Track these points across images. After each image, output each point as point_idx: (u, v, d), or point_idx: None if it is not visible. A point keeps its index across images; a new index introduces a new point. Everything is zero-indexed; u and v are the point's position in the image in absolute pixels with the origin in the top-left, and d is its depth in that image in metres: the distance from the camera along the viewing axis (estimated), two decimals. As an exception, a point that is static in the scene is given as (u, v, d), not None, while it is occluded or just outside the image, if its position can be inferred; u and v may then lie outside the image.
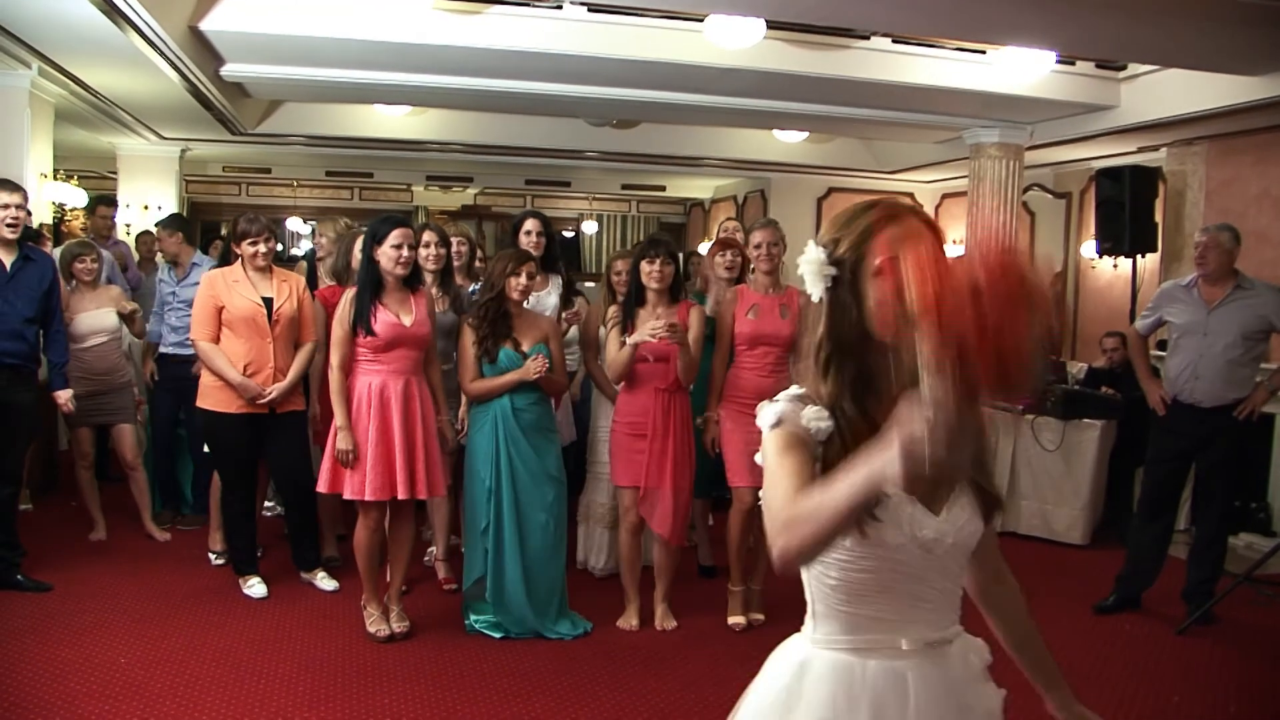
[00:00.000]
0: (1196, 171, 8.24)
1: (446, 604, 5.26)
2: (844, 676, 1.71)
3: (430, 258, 5.20)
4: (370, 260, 4.62)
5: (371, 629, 4.74)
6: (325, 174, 14.55)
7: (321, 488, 4.71)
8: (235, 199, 14.34)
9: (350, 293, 4.69)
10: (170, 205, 11.04)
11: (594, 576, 5.77)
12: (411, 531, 4.89)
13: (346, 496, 4.64)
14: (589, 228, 16.48)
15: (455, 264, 5.57)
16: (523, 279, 4.77)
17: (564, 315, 5.54)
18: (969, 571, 1.84)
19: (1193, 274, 5.39)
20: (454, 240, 5.63)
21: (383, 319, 4.56)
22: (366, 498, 4.57)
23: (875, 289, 1.65)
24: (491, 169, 13.67)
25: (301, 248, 16.45)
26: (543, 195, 15.54)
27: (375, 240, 4.61)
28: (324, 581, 5.41)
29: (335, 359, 4.63)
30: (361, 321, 4.56)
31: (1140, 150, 8.69)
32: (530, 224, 5.63)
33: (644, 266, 4.87)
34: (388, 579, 4.87)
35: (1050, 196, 10.26)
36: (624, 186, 15.28)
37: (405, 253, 4.58)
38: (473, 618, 4.92)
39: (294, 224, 15.69)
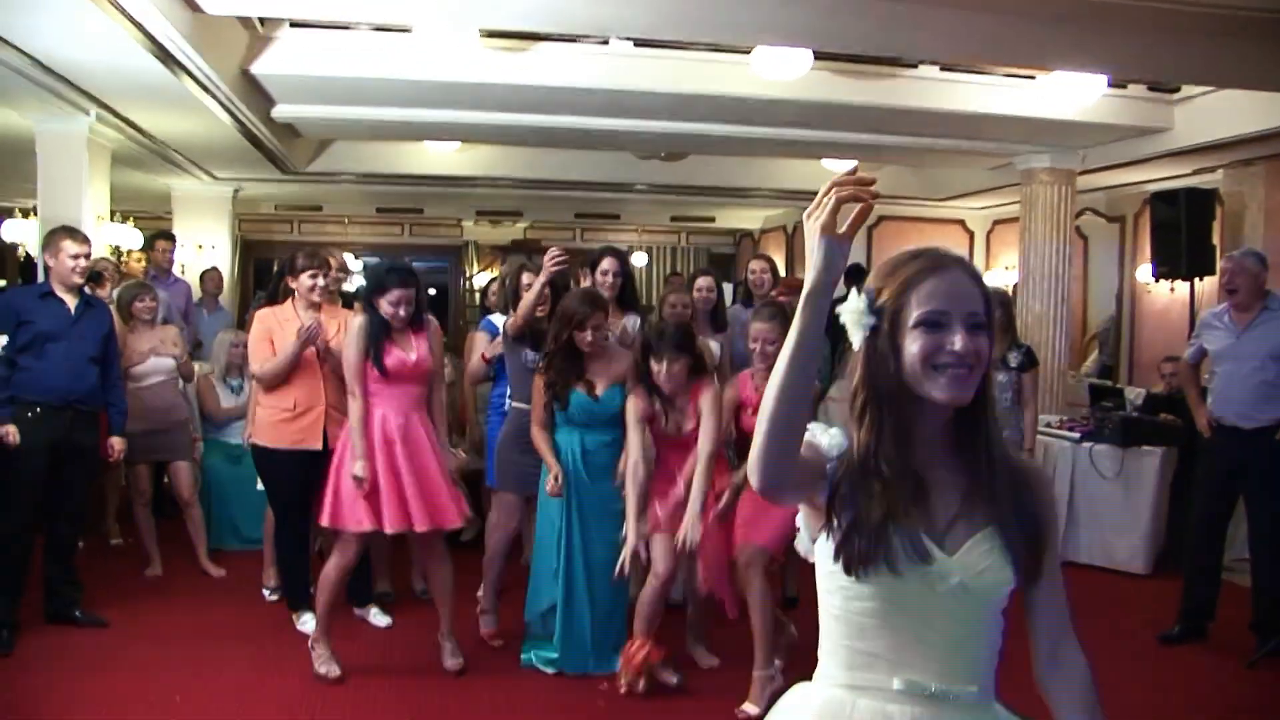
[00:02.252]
0: (1255, 192, 8.10)
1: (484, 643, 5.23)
2: (832, 713, 1.70)
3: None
4: (371, 305, 4.63)
5: (320, 669, 4.63)
6: (376, 210, 14.71)
7: (325, 522, 4.65)
8: (288, 236, 14.54)
9: (357, 322, 4.66)
10: (224, 244, 11.23)
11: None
12: (449, 567, 4.78)
13: (351, 528, 4.56)
14: (639, 260, 16.47)
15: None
16: (588, 335, 4.68)
17: None
18: (1033, 645, 1.77)
19: (1226, 303, 5.36)
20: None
21: (390, 355, 4.58)
22: (388, 530, 4.57)
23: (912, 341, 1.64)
24: (541, 203, 13.75)
25: (351, 285, 16.60)
26: (592, 228, 15.61)
27: (376, 291, 4.61)
28: (377, 617, 5.41)
29: (356, 387, 4.61)
30: (375, 361, 4.56)
31: (1196, 172, 8.56)
32: (607, 263, 5.42)
33: (652, 365, 4.57)
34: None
35: (1104, 221, 10.14)
36: (673, 218, 15.31)
37: (403, 310, 4.57)
38: (532, 653, 4.89)
39: (348, 259, 15.85)
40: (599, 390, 4.75)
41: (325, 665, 4.63)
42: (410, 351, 4.62)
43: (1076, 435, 6.94)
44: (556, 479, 4.73)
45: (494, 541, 5.24)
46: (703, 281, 6.00)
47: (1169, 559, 6.81)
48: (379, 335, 4.57)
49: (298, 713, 4.30)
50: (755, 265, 6.60)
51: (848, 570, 1.64)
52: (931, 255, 1.69)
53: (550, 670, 4.80)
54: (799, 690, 1.80)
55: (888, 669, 1.67)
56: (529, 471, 5.00)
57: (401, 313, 4.55)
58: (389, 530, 4.55)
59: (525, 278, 5.25)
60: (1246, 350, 5.16)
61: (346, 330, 4.85)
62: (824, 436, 1.72)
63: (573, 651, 4.79)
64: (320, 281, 5.12)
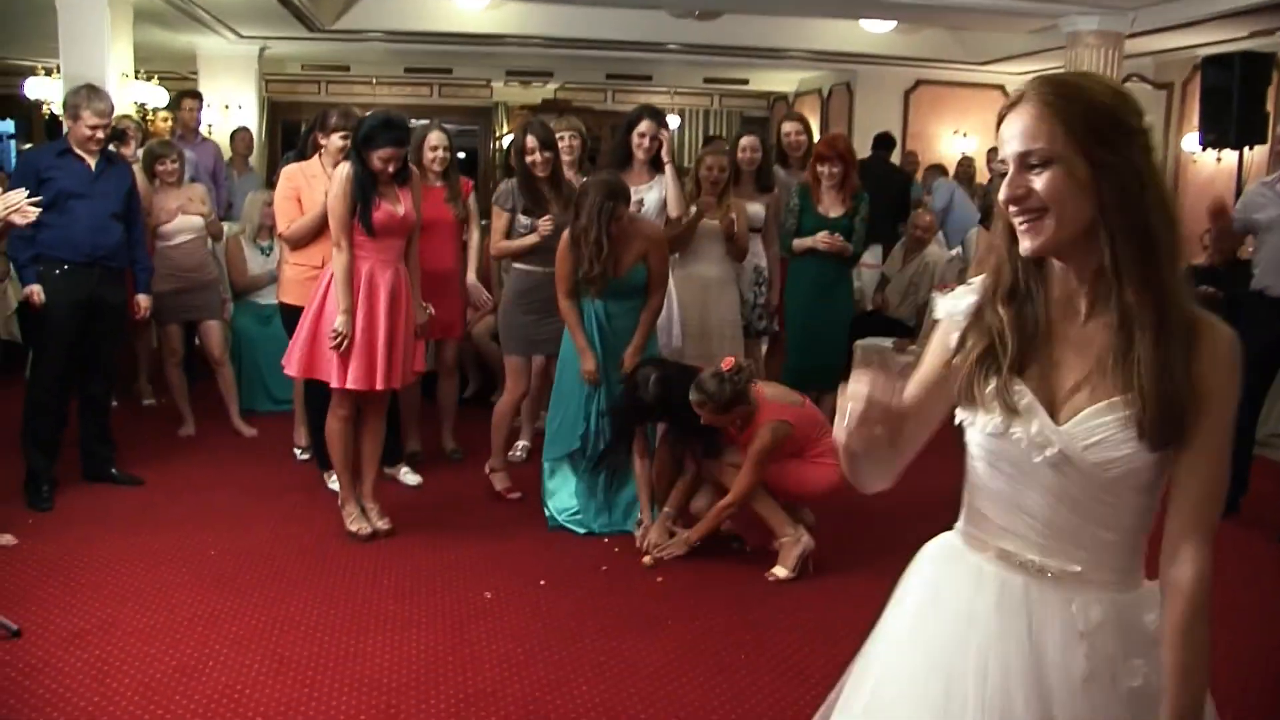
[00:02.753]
0: (1315, 57, 7.81)
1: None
2: (944, 556, 1.72)
3: (436, 160, 5.30)
4: (360, 157, 4.49)
5: (352, 527, 4.67)
6: (404, 70, 14.48)
7: (293, 372, 4.70)
8: (315, 97, 14.33)
9: (345, 170, 4.50)
10: (251, 105, 11.07)
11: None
12: (383, 425, 4.82)
13: (320, 378, 4.60)
14: (671, 122, 16.17)
15: (566, 159, 5.40)
16: (614, 227, 4.61)
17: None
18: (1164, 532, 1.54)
19: (1278, 172, 5.16)
20: (565, 134, 5.44)
21: (378, 209, 4.49)
22: (349, 386, 4.52)
23: None
24: (571, 63, 13.49)
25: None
26: (624, 89, 15.31)
27: (366, 144, 4.45)
28: (408, 476, 5.44)
29: (342, 239, 4.48)
30: (362, 216, 4.46)
31: (1252, 35, 8.24)
32: (645, 125, 5.30)
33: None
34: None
35: (1150, 88, 9.82)
36: (706, 80, 14.98)
37: (391, 167, 4.48)
38: (555, 512, 4.91)
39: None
40: (623, 270, 4.72)
41: (356, 523, 4.68)
42: (397, 205, 4.55)
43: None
44: (591, 373, 4.74)
45: (501, 405, 5.28)
46: (747, 141, 5.89)
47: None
48: (367, 188, 4.47)
49: (329, 568, 4.35)
50: (789, 127, 6.44)
51: (955, 416, 1.63)
52: (1014, 95, 1.54)
53: (580, 530, 4.84)
54: (938, 537, 1.78)
55: (993, 531, 1.63)
56: (533, 334, 5.12)
57: (391, 169, 4.47)
58: (350, 386, 4.51)
59: (528, 141, 5.17)
60: None
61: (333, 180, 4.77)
62: (954, 300, 1.67)
63: (593, 508, 4.86)
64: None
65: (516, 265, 5.20)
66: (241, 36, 10.47)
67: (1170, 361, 1.48)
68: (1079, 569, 1.58)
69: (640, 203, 5.22)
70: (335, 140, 5.03)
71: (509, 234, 5.20)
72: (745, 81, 14.91)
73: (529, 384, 5.30)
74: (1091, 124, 1.46)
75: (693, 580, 4.36)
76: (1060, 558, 1.58)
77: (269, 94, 13.27)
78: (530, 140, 5.11)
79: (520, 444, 5.81)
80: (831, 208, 5.62)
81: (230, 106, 10.88)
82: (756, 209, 5.69)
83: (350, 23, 10.24)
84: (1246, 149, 7.81)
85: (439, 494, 5.33)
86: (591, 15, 10.23)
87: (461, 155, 5.06)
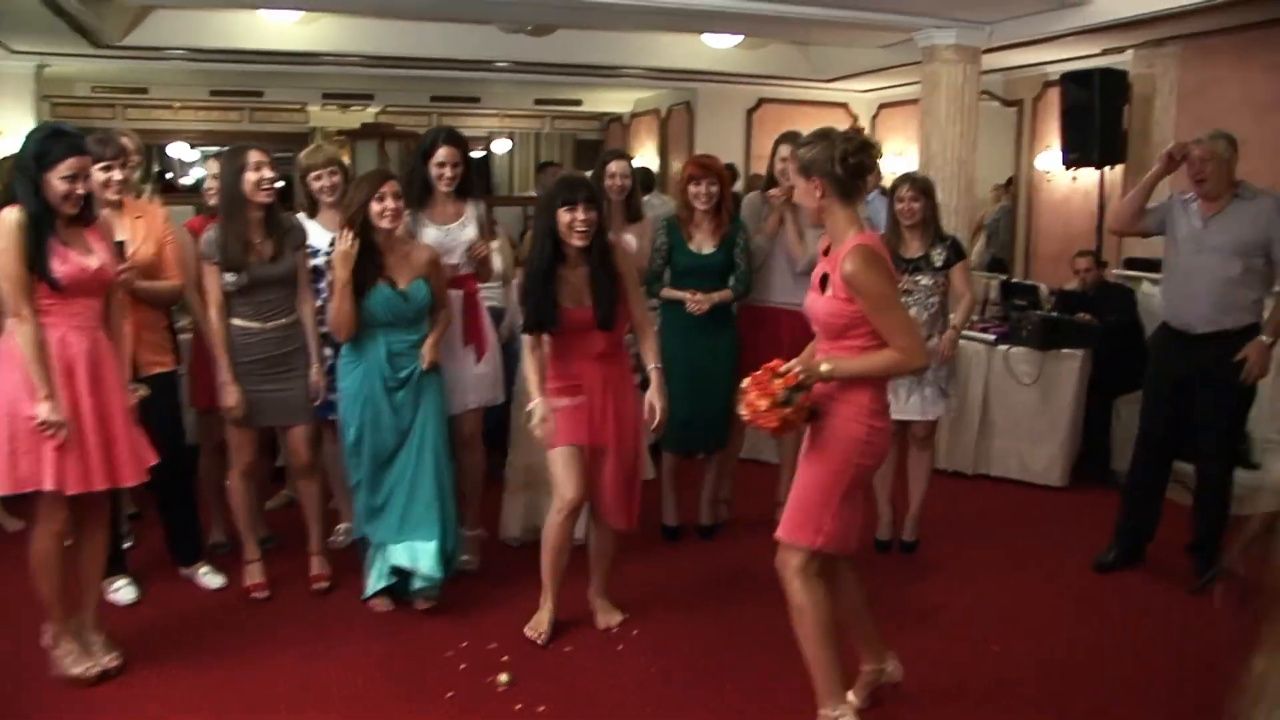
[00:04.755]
0: (1167, 75, 7.60)
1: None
2: None
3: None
4: (35, 189, 3.41)
5: (74, 670, 3.60)
6: (210, 93, 13.38)
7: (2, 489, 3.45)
8: (110, 122, 13.04)
9: (13, 216, 3.39)
10: (28, 129, 9.84)
11: (510, 549, 5.01)
12: (107, 535, 3.85)
13: (48, 489, 3.41)
14: (500, 146, 15.51)
15: (328, 200, 4.68)
16: (388, 202, 4.04)
17: (474, 246, 4.64)
18: None
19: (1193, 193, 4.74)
20: (322, 171, 4.69)
21: (65, 261, 3.47)
22: (69, 491, 3.45)
23: None
24: (393, 84, 12.68)
25: (191, 176, 15.26)
26: (450, 112, 14.51)
27: (41, 165, 3.40)
28: (209, 577, 4.54)
29: (23, 306, 3.40)
30: (38, 266, 3.39)
31: (1104, 53, 8.03)
32: (444, 153, 4.53)
33: (564, 216, 3.86)
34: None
35: (999, 105, 9.56)
36: (537, 101, 14.38)
37: (80, 189, 3.46)
38: (375, 576, 4.28)
39: (178, 150, 14.48)
40: (401, 286, 4.13)
41: (78, 664, 3.62)
42: (89, 256, 3.53)
43: (992, 338, 6.38)
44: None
45: (230, 482, 4.45)
46: (615, 166, 5.17)
47: (1083, 468, 6.38)
48: (43, 233, 3.41)
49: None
50: (615, 167, 5.26)
51: None
52: None
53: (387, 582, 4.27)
54: None
55: None
56: (255, 400, 4.26)
57: (79, 190, 3.43)
58: (70, 492, 3.45)
59: (312, 179, 4.63)
60: (1212, 242, 4.55)
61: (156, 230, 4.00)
62: None
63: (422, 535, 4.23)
64: (117, 175, 4.15)
65: (233, 322, 4.22)
66: (13, 51, 9.27)
67: None
68: None
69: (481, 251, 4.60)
70: (97, 175, 3.95)
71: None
72: (579, 102, 14.33)
73: (254, 456, 4.41)
74: None
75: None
76: None
77: (55, 119, 11.96)
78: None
79: (342, 526, 4.97)
80: (705, 243, 4.99)
81: (4, 132, 9.63)
82: (630, 240, 5.03)
83: (145, 38, 9.14)
84: (1108, 168, 7.54)
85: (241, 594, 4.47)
86: (414, 31, 9.43)
87: (279, 184, 4.26)
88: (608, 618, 4.24)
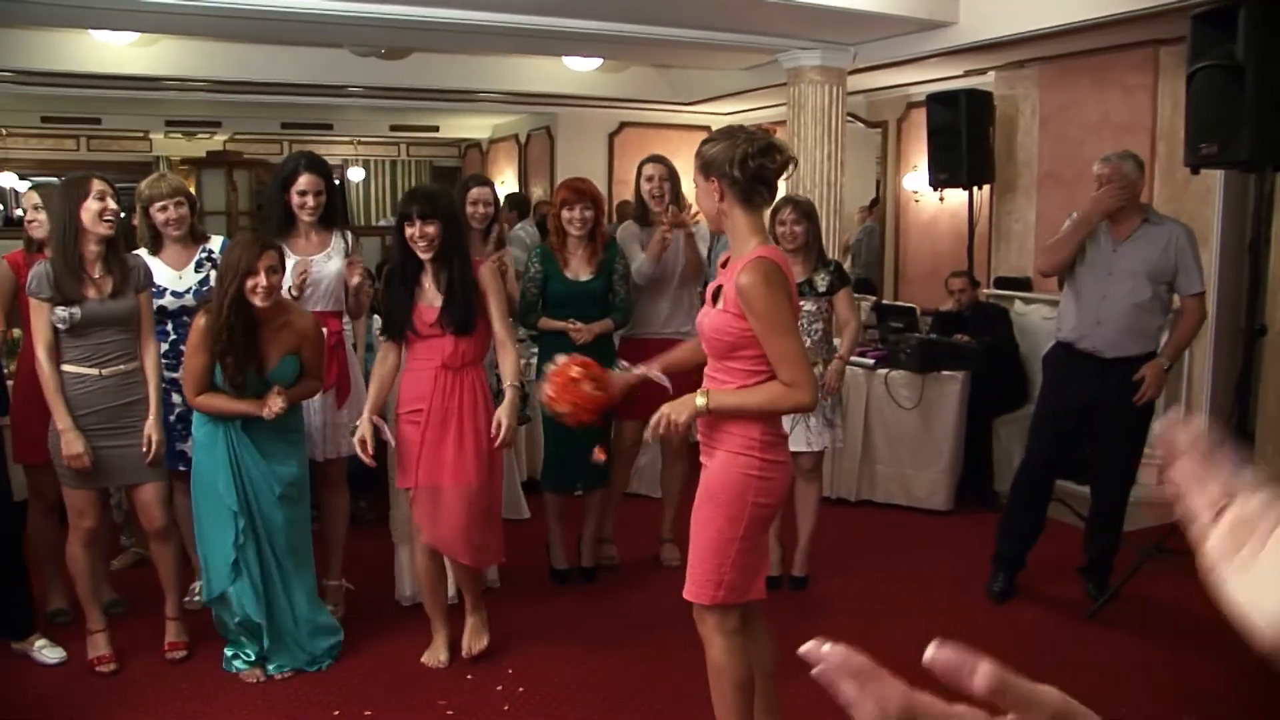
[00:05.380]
0: (1029, 96, 7.64)
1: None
2: None
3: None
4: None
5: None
6: (41, 120, 12.59)
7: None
8: (-73, 152, 12.24)
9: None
10: None
11: (401, 607, 4.65)
12: None
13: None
14: (355, 175, 15.06)
15: (175, 233, 4.30)
16: (262, 279, 3.66)
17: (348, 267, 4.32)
18: None
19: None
20: (169, 202, 4.27)
21: None
22: None
23: None
24: (242, 110, 12.18)
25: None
26: (301, 139, 13.98)
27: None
28: (46, 651, 4.07)
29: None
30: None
31: (966, 74, 8.05)
32: (305, 180, 4.24)
33: (406, 230, 3.78)
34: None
35: (863, 126, 9.56)
36: (393, 128, 13.93)
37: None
38: (229, 654, 4.00)
39: (7, 179, 13.63)
40: (271, 364, 3.80)
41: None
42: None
43: (871, 362, 6.27)
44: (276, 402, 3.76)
45: (69, 548, 4.01)
46: (478, 194, 4.83)
47: (964, 491, 6.31)
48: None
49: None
50: (477, 194, 4.89)
51: None
52: None
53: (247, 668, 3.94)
54: None
55: None
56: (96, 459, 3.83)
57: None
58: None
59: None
60: (1122, 266, 4.49)
61: None
62: None
63: (286, 645, 3.98)
64: None
65: (65, 368, 3.82)
66: None
67: None
68: None
69: (301, 278, 4.19)
70: None
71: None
72: (435, 128, 13.93)
73: (97, 520, 3.98)
74: None
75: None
76: None
77: None
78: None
79: (197, 584, 4.53)
80: (581, 269, 4.74)
81: None
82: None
83: (-36, 60, 8.47)
84: (976, 188, 7.54)
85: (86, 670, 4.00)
86: (262, 55, 8.96)
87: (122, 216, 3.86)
88: (475, 641, 4.10)
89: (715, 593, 2.88)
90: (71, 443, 3.72)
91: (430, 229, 3.73)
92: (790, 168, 2.83)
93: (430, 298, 3.81)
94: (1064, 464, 4.85)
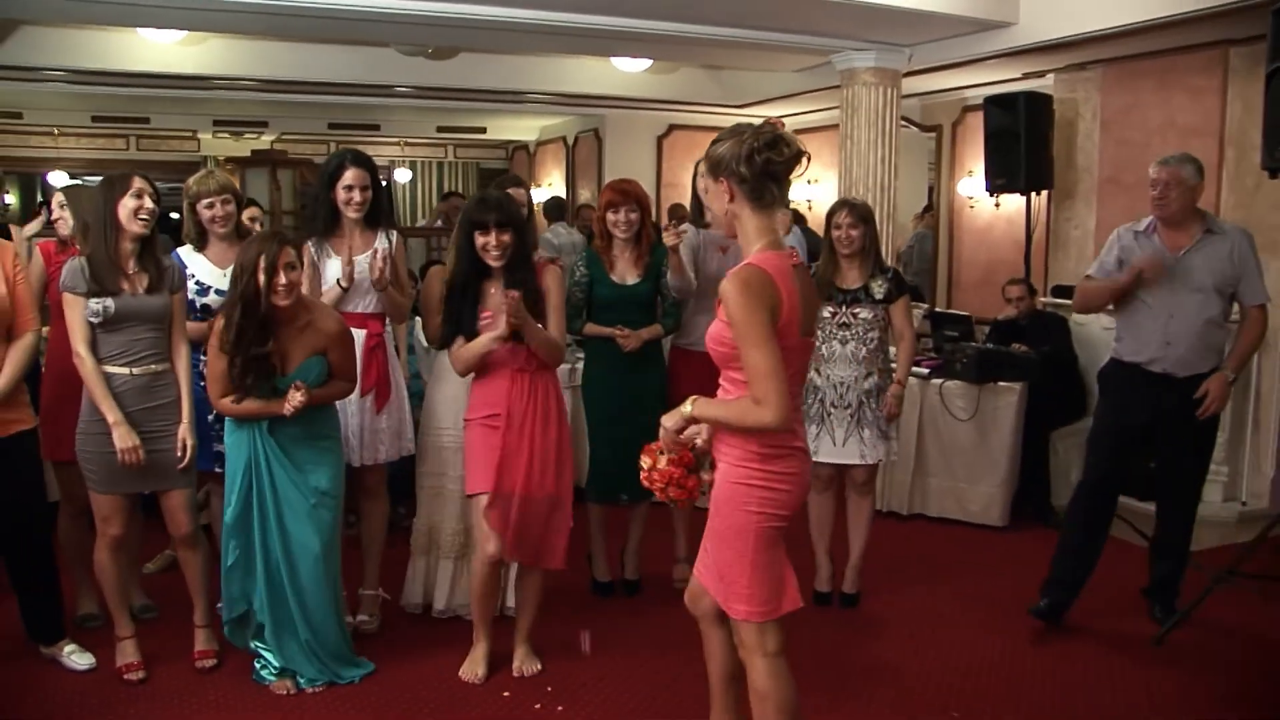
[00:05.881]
0: (1090, 99, 7.43)
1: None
2: None
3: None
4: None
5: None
6: (92, 119, 12.65)
7: None
8: (-18, 150, 12.33)
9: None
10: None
11: (430, 618, 4.52)
12: None
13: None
14: (402, 176, 15.02)
15: (220, 230, 4.24)
16: (281, 276, 3.57)
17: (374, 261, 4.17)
18: None
19: (1148, 218, 4.44)
20: (216, 200, 4.22)
21: None
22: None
23: None
24: (289, 110, 12.19)
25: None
26: (349, 140, 13.94)
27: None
28: (75, 657, 3.98)
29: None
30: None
31: (1025, 77, 7.85)
32: (352, 175, 4.15)
33: (479, 239, 3.73)
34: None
35: (916, 130, 9.35)
36: (440, 129, 13.86)
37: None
38: (258, 665, 3.86)
39: (58, 179, 13.70)
40: (292, 365, 3.69)
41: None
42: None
43: (925, 371, 6.09)
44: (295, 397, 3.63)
45: (97, 555, 3.90)
46: (514, 194, 4.61)
47: (1020, 506, 6.10)
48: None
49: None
50: (512, 194, 4.87)
51: None
52: None
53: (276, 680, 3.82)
54: None
55: None
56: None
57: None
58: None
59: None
60: (1188, 279, 4.25)
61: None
62: None
63: (298, 661, 3.81)
64: None
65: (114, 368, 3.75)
66: None
67: None
68: None
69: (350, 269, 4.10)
70: None
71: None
72: (483, 130, 13.86)
73: (124, 527, 3.88)
74: None
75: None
76: None
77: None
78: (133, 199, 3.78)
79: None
80: (628, 272, 4.60)
81: None
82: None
83: (15, 56, 8.45)
84: (1034, 194, 7.33)
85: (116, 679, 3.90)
86: (309, 54, 8.91)
87: (175, 216, 3.79)
88: (527, 664, 3.99)
89: (741, 608, 2.75)
90: (125, 436, 3.63)
91: (505, 238, 3.69)
92: (803, 162, 2.68)
93: (496, 304, 3.71)
94: (1125, 480, 4.60)
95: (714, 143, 2.74)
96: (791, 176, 2.70)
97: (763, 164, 2.62)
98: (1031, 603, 4.61)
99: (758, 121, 2.71)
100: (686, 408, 2.75)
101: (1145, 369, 4.36)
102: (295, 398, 3.59)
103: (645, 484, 2.87)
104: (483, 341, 3.68)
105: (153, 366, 3.75)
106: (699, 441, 2.83)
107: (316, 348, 3.71)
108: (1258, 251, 4.34)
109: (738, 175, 2.65)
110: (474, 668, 3.94)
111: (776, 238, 2.71)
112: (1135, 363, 4.39)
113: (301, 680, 3.79)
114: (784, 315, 2.61)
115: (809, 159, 2.70)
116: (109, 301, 3.63)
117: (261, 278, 3.53)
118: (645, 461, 2.86)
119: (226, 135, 13.87)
